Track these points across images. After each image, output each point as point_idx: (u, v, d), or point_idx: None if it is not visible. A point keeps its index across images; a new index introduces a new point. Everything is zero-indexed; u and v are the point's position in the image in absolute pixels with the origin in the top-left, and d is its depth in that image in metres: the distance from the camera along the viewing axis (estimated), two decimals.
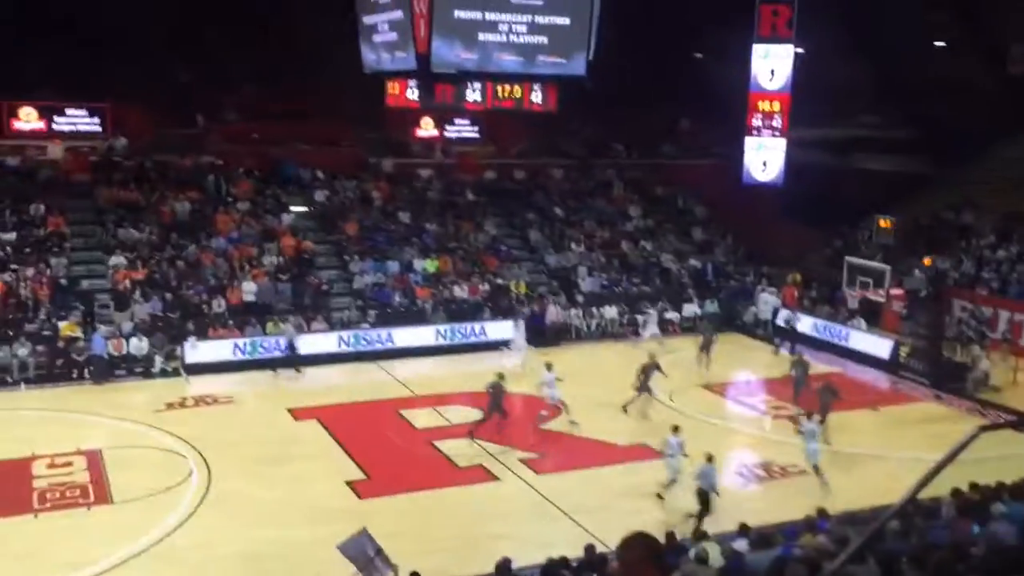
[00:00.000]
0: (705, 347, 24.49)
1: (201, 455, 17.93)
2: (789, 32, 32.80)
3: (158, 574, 13.78)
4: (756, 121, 34.00)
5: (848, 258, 28.14)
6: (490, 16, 26.07)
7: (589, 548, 11.36)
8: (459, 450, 18.44)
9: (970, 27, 33.36)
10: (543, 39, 26.86)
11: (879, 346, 25.97)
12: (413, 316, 27.26)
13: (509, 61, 27.05)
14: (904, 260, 29.25)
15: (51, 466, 17.33)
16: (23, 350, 23.06)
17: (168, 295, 25.76)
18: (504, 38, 26.52)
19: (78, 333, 23.72)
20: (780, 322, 27.82)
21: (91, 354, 23.16)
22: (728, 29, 33.29)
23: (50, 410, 21.00)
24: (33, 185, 28.74)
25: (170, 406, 21.25)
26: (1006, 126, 33.21)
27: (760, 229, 34.13)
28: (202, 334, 24.54)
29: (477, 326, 26.96)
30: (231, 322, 25.32)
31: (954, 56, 33.34)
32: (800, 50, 33.15)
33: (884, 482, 16.19)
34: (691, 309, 29.41)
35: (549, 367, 20.36)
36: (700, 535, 11.83)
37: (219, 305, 25.90)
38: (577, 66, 27.67)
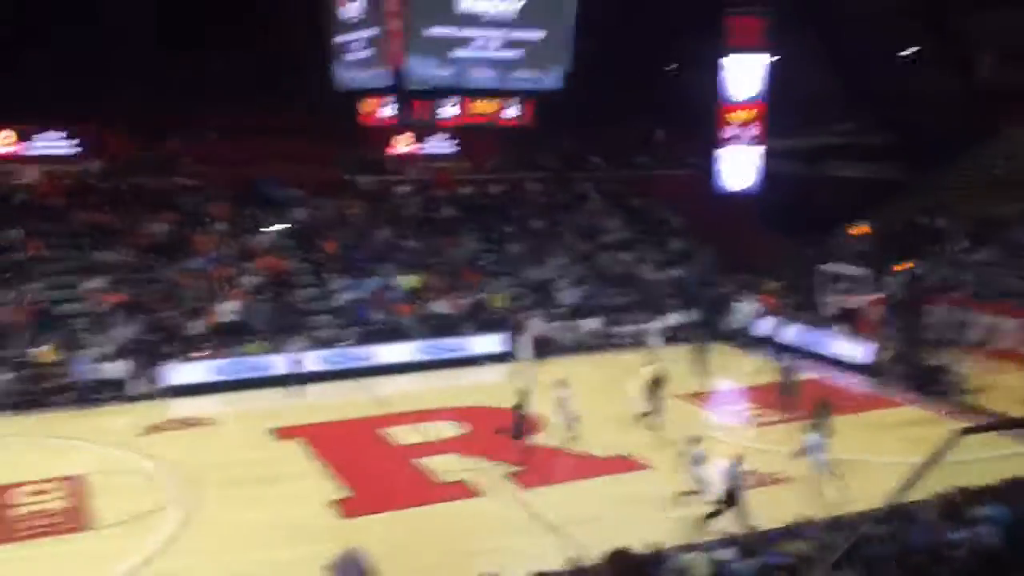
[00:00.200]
0: (699, 358, 24.54)
1: (183, 478, 17.79)
2: (760, 41, 33.18)
3: None
4: (730, 131, 34.35)
5: (824, 265, 28.35)
6: (465, 32, 26.18)
7: (574, 561, 11.35)
8: (443, 466, 18.41)
9: (939, 35, 33.86)
10: (518, 54, 26.99)
11: (857, 352, 26.21)
12: (394, 333, 27.22)
13: (484, 76, 27.17)
14: (880, 266, 29.53)
15: (31, 493, 17.13)
16: (2, 376, 22.81)
17: (146, 317, 25.59)
18: (479, 53, 26.64)
19: (57, 357, 23.50)
20: (766, 331, 27.93)
21: (74, 378, 22.94)
22: (702, 39, 33.63)
23: (30, 436, 20.79)
24: (7, 209, 28.51)
25: (151, 429, 21.08)
26: (976, 132, 33.72)
27: (737, 238, 34.37)
28: (181, 356, 24.39)
29: (458, 341, 26.94)
30: (211, 343, 25.18)
31: (924, 64, 33.82)
32: (773, 59, 33.53)
33: (866, 487, 16.29)
34: (672, 319, 29.48)
35: (564, 383, 20.24)
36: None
37: (198, 326, 25.75)
38: (554, 80, 27.84)
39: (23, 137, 30.51)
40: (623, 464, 18.48)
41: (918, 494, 10.29)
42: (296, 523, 15.79)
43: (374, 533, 15.27)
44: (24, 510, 16.44)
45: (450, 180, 34.88)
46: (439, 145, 35.70)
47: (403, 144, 34.75)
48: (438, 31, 25.94)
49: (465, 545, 15.07)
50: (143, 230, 28.64)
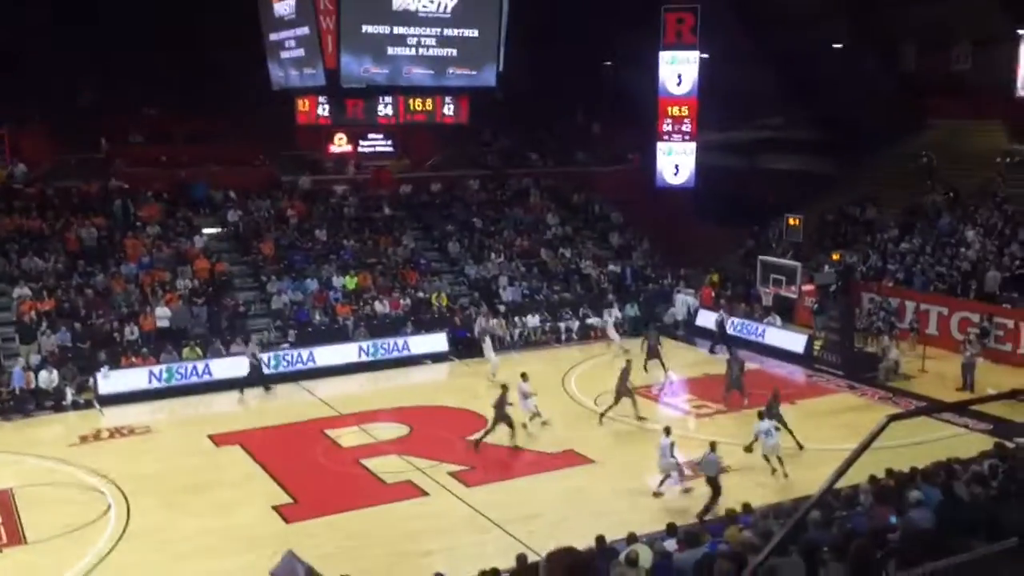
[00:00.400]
0: (653, 352, 24.73)
1: (119, 488, 17.33)
2: (694, 39, 33.70)
3: None
4: (666, 126, 34.80)
5: (760, 257, 28.85)
6: (399, 30, 26.04)
7: (521, 558, 11.37)
8: (387, 467, 18.27)
9: (865, 30, 34.65)
10: (452, 52, 26.95)
11: (793, 341, 26.71)
12: (334, 334, 26.92)
13: (420, 74, 27.07)
14: (813, 256, 30.14)
15: None
16: None
17: (77, 325, 24.91)
18: (414, 51, 26.53)
19: None
20: (710, 323, 28.28)
21: (10, 387, 22.26)
22: (638, 36, 33.98)
23: None
24: None
25: (84, 439, 20.52)
26: (902, 123, 34.61)
27: (675, 232, 34.80)
28: (115, 363, 23.81)
29: (400, 341, 26.77)
30: (145, 349, 24.63)
31: (852, 58, 34.58)
32: (705, 55, 34.02)
33: (803, 474, 16.65)
34: (613, 314, 29.66)
35: (524, 377, 20.28)
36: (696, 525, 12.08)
37: (132, 332, 25.15)
38: (488, 77, 27.84)
39: None
40: (571, 459, 18.57)
41: (854, 479, 10.55)
42: (238, 531, 15.52)
43: (319, 537, 15.12)
44: None
45: (389, 179, 34.63)
46: (377, 144, 35.39)
47: (341, 143, 34.38)
48: (373, 29, 25.74)
49: (413, 546, 14.99)
50: (71, 235, 27.85)
